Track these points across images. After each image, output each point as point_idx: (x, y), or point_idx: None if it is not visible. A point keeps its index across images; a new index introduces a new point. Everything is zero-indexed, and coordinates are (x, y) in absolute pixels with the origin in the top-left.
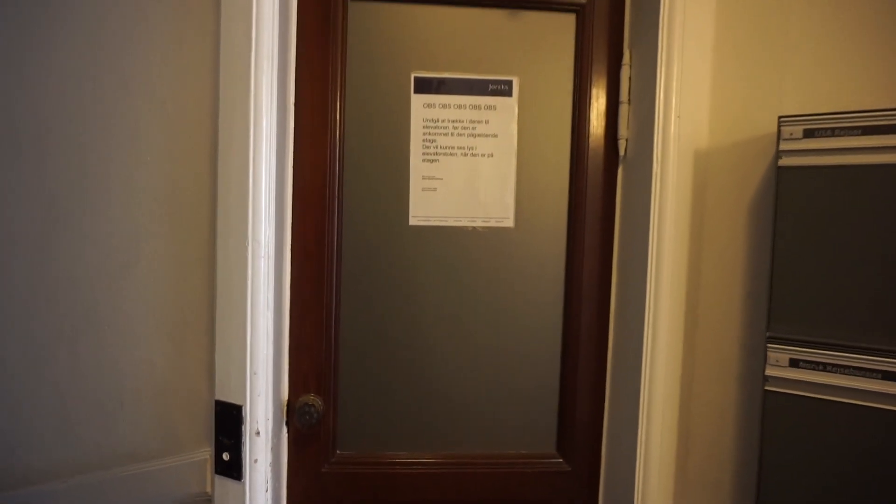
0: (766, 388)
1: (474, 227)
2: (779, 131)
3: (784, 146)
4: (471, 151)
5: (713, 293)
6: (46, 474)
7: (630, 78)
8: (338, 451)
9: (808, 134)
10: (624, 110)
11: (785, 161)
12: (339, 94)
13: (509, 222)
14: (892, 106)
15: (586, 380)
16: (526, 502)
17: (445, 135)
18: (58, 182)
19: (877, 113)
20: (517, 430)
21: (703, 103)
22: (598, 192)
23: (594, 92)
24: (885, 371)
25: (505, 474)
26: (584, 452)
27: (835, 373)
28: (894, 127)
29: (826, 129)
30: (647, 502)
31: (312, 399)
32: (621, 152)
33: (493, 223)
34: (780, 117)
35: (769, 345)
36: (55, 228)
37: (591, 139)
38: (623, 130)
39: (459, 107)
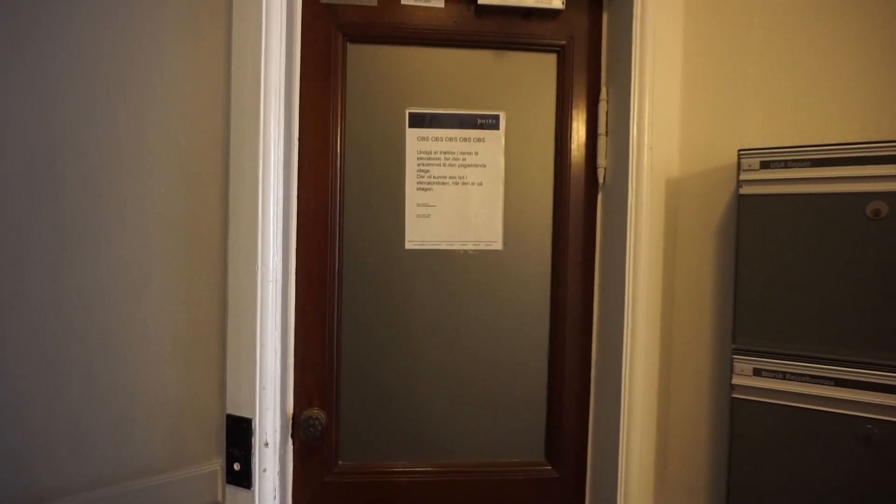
0: (733, 395)
1: (465, 250)
2: (738, 163)
3: (743, 176)
4: (461, 180)
5: (686, 310)
6: (59, 490)
7: (607, 112)
8: (340, 462)
9: (765, 165)
10: (602, 142)
11: (744, 190)
12: (339, 128)
13: (498, 245)
14: (839, 140)
15: (572, 392)
16: None
17: (438, 165)
18: (73, 210)
19: (824, 147)
20: (508, 439)
21: (674, 135)
22: (579, 216)
23: (574, 125)
24: (837, 378)
25: (497, 482)
26: (570, 460)
27: (793, 381)
28: (839, 160)
29: (780, 160)
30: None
31: (316, 413)
32: (600, 180)
33: (482, 246)
34: (739, 150)
35: (735, 356)
36: (70, 254)
37: (572, 168)
38: (602, 160)
39: (451, 139)
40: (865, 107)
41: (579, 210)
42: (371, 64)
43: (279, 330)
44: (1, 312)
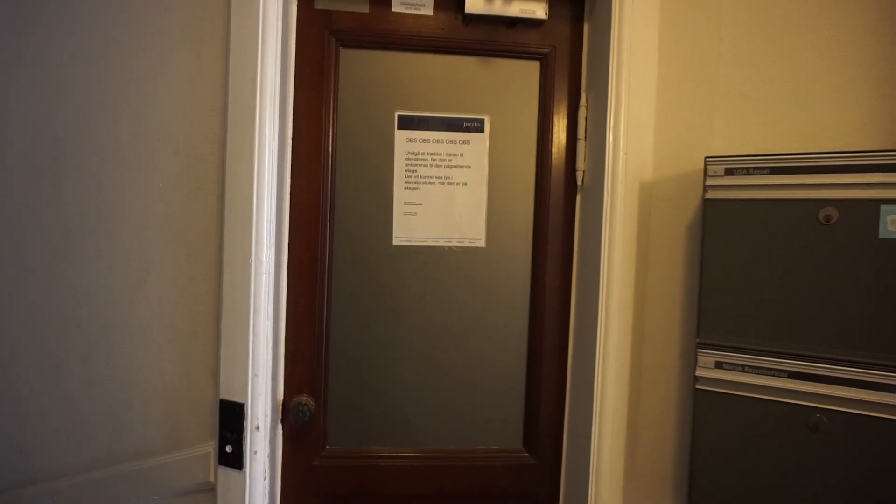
0: (697, 387)
1: (450, 247)
2: (705, 169)
3: (709, 182)
4: (447, 180)
5: (657, 306)
6: (56, 472)
7: (587, 118)
8: (328, 447)
9: (729, 172)
10: (581, 146)
11: (710, 195)
12: (331, 130)
13: (481, 242)
14: (800, 149)
15: (549, 383)
16: (496, 492)
17: (425, 166)
18: (75, 204)
19: (781, 156)
20: (488, 427)
21: (648, 141)
22: (559, 216)
23: (556, 129)
24: (790, 371)
25: (477, 468)
26: (547, 448)
27: (751, 373)
28: (795, 168)
29: (742, 168)
30: (600, 491)
31: (305, 399)
32: (579, 182)
33: (466, 243)
34: (705, 158)
35: (698, 349)
36: (71, 247)
37: (553, 170)
38: (581, 163)
39: (438, 141)
40: (826, 117)
41: (559, 210)
42: (363, 68)
43: (271, 320)
44: (3, 302)
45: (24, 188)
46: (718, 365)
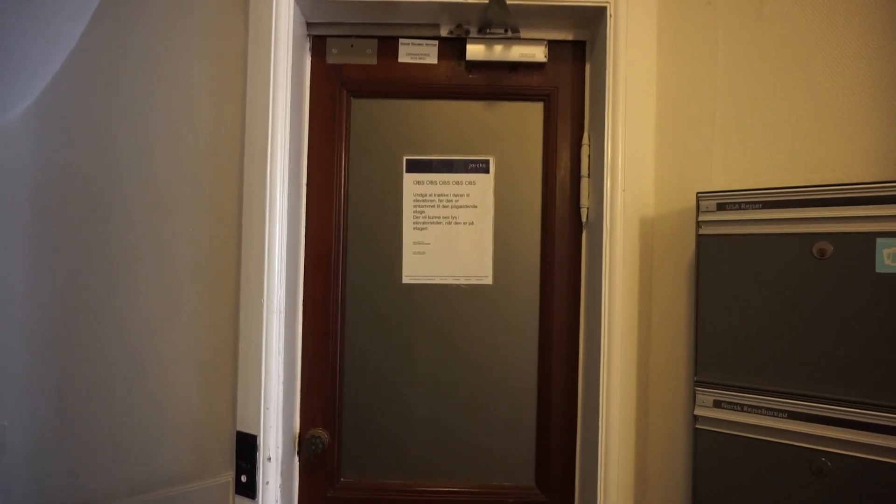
0: (696, 426)
1: (458, 285)
2: (697, 205)
3: (702, 217)
4: (454, 220)
5: (662, 342)
6: (102, 494)
7: (589, 156)
8: (342, 479)
9: (721, 207)
10: (585, 183)
11: (703, 230)
12: (343, 174)
13: (488, 280)
14: (794, 183)
15: (559, 421)
16: None
17: (433, 206)
18: (119, 246)
19: (773, 190)
20: (500, 464)
21: (649, 177)
22: (565, 253)
23: (560, 167)
24: (791, 411)
25: (490, 503)
26: (559, 486)
27: (750, 412)
28: (787, 202)
29: (734, 203)
30: None
31: (319, 432)
32: (584, 219)
33: (473, 281)
34: (697, 193)
35: (696, 388)
36: (116, 284)
37: (558, 208)
38: (584, 200)
39: (444, 183)
40: (827, 148)
41: (564, 247)
42: (372, 115)
43: (282, 356)
44: (59, 333)
45: (79, 230)
46: (717, 404)
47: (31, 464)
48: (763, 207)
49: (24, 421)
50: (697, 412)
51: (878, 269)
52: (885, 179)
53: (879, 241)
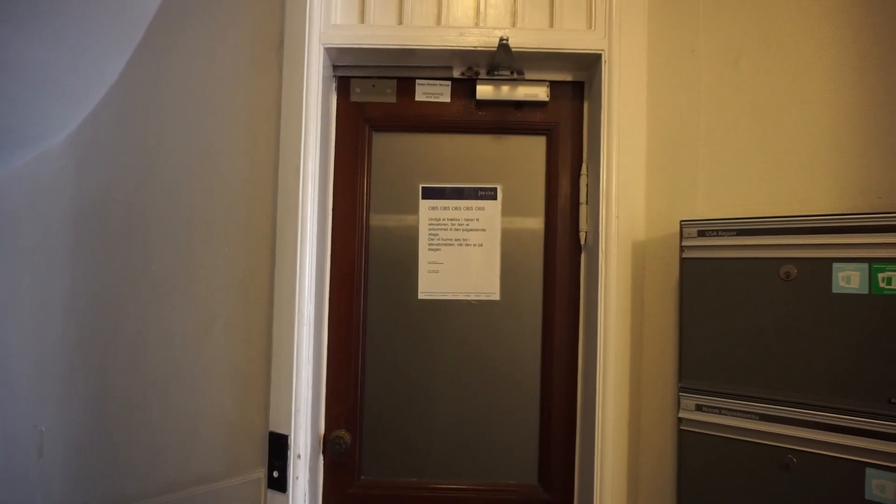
0: (681, 427)
1: (469, 300)
2: (681, 232)
3: (685, 242)
4: (465, 242)
5: (652, 353)
6: (138, 496)
7: (587, 185)
8: (362, 477)
9: (701, 233)
10: (583, 210)
11: (686, 254)
12: (365, 200)
13: (496, 296)
14: (771, 213)
15: (560, 424)
16: None
17: (446, 230)
18: (159, 264)
19: (746, 220)
20: (506, 463)
21: (640, 206)
22: (566, 273)
23: (560, 195)
24: (761, 413)
25: (497, 500)
26: (560, 484)
27: (727, 415)
28: (758, 230)
29: (713, 230)
30: None
31: (342, 434)
32: (582, 242)
33: (483, 297)
34: (681, 221)
35: (681, 393)
36: (155, 300)
37: (559, 232)
38: (583, 225)
39: (456, 208)
40: (796, 182)
41: (565, 268)
42: (391, 148)
43: (311, 364)
44: (102, 345)
45: (119, 249)
46: (699, 408)
47: (69, 466)
48: (738, 234)
49: (62, 426)
50: (681, 415)
51: (835, 290)
52: (841, 212)
53: (835, 265)
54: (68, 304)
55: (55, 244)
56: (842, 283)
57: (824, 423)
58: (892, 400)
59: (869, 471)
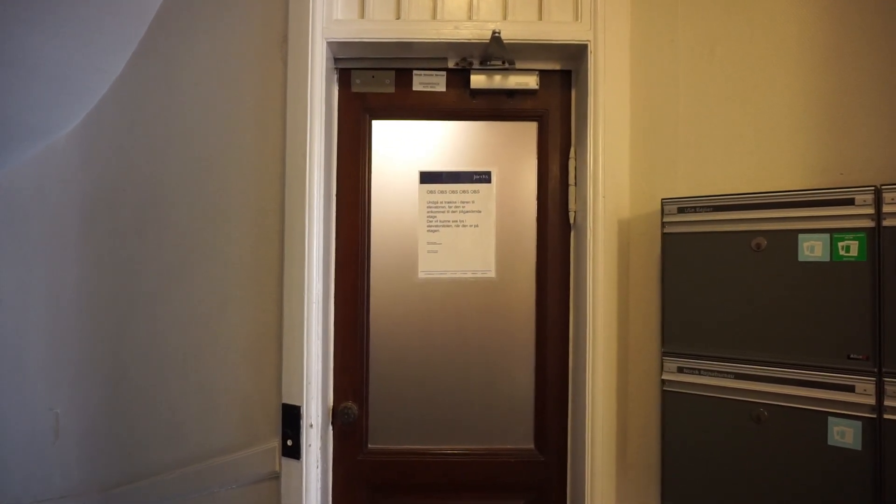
0: (664, 388)
1: (466, 278)
2: (662, 209)
3: (665, 219)
4: (462, 223)
5: (638, 322)
6: (157, 469)
7: (575, 167)
8: (369, 445)
9: (681, 210)
10: (572, 191)
11: (667, 229)
12: (366, 185)
13: (492, 274)
14: (740, 191)
15: (554, 390)
16: (511, 484)
17: (443, 212)
18: (172, 249)
19: (721, 196)
20: (504, 429)
21: (624, 186)
22: (557, 250)
23: (551, 177)
24: (736, 373)
25: (495, 463)
26: (554, 446)
27: (705, 375)
28: (732, 206)
29: (691, 207)
30: (594, 482)
31: (350, 405)
32: (571, 221)
33: (479, 275)
34: (662, 199)
35: (664, 357)
36: (170, 283)
37: (550, 212)
38: (572, 205)
39: (453, 192)
40: (771, 162)
41: (556, 245)
42: (391, 135)
43: (321, 340)
44: (119, 328)
45: (132, 234)
46: (680, 370)
47: (85, 446)
48: (713, 210)
49: (77, 407)
50: (664, 377)
51: (800, 259)
52: (804, 188)
53: (801, 236)
54: (80, 292)
55: (66, 234)
56: (807, 252)
57: (791, 379)
58: (851, 356)
59: (831, 419)
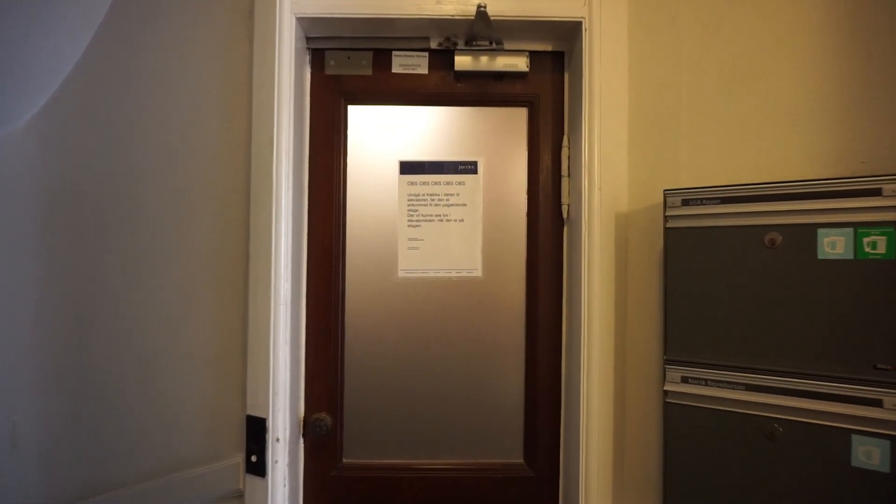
0: (666, 400)
1: (450, 277)
2: (665, 201)
3: (668, 212)
4: (446, 218)
5: (637, 326)
6: (118, 484)
7: (569, 157)
8: (344, 459)
9: (685, 203)
10: (565, 182)
11: (670, 224)
12: (341, 176)
13: (478, 273)
14: (751, 181)
15: (545, 400)
16: (498, 501)
17: (425, 205)
18: (135, 247)
19: (730, 187)
20: (491, 442)
21: (622, 177)
22: (549, 246)
23: (542, 168)
24: (747, 384)
25: (481, 479)
26: (545, 461)
27: (713, 386)
28: (742, 198)
29: (696, 198)
30: (589, 499)
31: (323, 416)
32: (564, 215)
33: (464, 274)
34: (664, 190)
35: (666, 365)
36: (132, 283)
37: (541, 205)
38: (565, 198)
39: (436, 183)
40: (779, 150)
41: (548, 241)
42: (368, 122)
43: (289, 345)
44: (76, 332)
45: (90, 233)
46: (684, 379)
47: (45, 455)
48: (722, 203)
49: (35, 416)
50: (667, 387)
51: (820, 256)
52: (822, 177)
53: (820, 231)
54: (39, 293)
55: (23, 231)
56: (827, 249)
57: (810, 391)
58: (878, 366)
59: (855, 437)
